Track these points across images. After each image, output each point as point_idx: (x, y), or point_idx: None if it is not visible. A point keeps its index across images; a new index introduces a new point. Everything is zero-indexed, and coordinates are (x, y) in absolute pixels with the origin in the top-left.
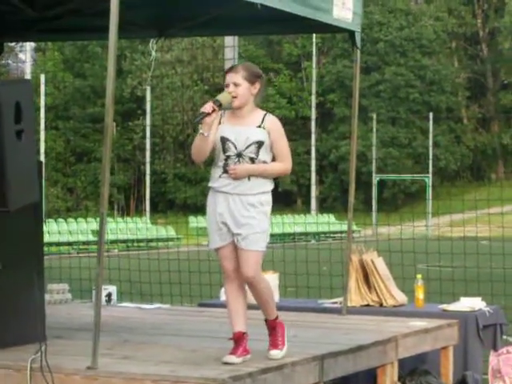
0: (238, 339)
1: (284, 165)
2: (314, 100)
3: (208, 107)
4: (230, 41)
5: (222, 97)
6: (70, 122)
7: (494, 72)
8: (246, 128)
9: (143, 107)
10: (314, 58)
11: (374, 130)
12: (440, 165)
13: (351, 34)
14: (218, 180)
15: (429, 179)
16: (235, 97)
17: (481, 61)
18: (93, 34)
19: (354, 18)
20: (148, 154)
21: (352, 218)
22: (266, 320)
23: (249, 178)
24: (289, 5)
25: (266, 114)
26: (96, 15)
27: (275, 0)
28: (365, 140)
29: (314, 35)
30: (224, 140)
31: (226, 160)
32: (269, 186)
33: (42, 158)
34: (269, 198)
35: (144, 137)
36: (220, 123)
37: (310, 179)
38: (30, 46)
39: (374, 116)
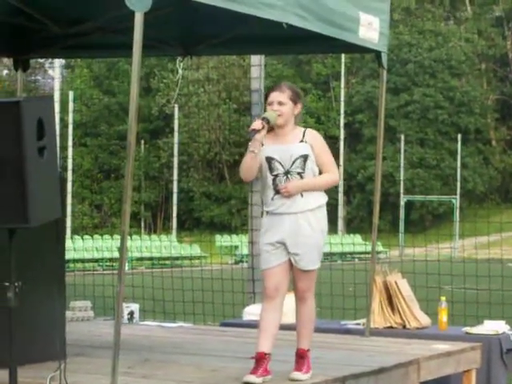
0: (260, 359)
1: (332, 175)
2: (342, 120)
3: (258, 124)
4: (256, 59)
5: (269, 115)
6: (98, 139)
7: None
8: (288, 145)
9: (171, 125)
10: (343, 78)
11: (402, 150)
12: (468, 187)
13: (378, 54)
14: (271, 203)
15: (456, 201)
16: (280, 115)
17: (510, 83)
18: (118, 51)
19: (380, 38)
20: (175, 171)
21: (376, 239)
22: (297, 350)
23: (302, 195)
24: (315, 24)
25: (306, 130)
26: (121, 32)
27: (301, 20)
28: (393, 161)
29: (343, 55)
30: (269, 160)
31: (274, 180)
32: (323, 199)
33: (70, 174)
34: (324, 212)
35: (172, 155)
36: (263, 144)
37: (337, 199)
38: (59, 62)
39: (402, 137)
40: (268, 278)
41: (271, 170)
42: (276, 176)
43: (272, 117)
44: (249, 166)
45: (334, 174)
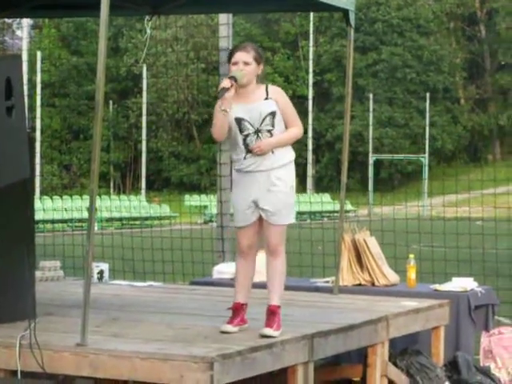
0: (237, 309)
1: (298, 128)
2: (311, 79)
3: (227, 83)
4: (224, 18)
5: (236, 74)
6: (66, 100)
7: (492, 53)
8: (255, 104)
9: (140, 85)
10: (312, 37)
11: (371, 109)
12: (436, 145)
13: (345, 12)
14: (243, 162)
15: (425, 159)
16: (245, 74)
17: (478, 41)
18: (86, 11)
19: None
20: (144, 131)
21: (345, 198)
22: (268, 306)
23: (272, 151)
24: None
25: (267, 86)
26: None
27: None
28: (362, 120)
29: (312, 14)
30: (239, 120)
31: (244, 139)
32: (292, 154)
33: (38, 134)
34: (293, 168)
35: (140, 115)
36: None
37: (306, 158)
38: (27, 22)
39: (371, 96)
40: (241, 236)
41: (241, 130)
42: (247, 136)
43: (239, 75)
44: (220, 124)
45: (299, 127)
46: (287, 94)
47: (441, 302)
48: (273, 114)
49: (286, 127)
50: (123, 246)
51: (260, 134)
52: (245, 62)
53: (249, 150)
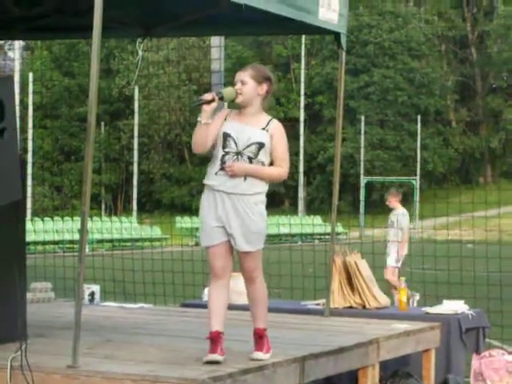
0: (216, 338)
1: (281, 170)
2: (302, 101)
3: (208, 95)
4: (216, 41)
5: (226, 90)
6: (58, 121)
7: (483, 75)
8: (249, 128)
9: (131, 107)
10: (303, 60)
11: (363, 132)
12: (428, 168)
13: (337, 35)
14: (214, 177)
15: (416, 182)
16: (240, 93)
17: (470, 64)
18: (77, 33)
19: (339, 19)
20: (136, 153)
21: (336, 220)
22: (254, 330)
23: (245, 178)
24: (274, 6)
25: (271, 120)
26: (80, 14)
27: (260, 1)
28: (353, 142)
29: (304, 37)
30: (225, 135)
31: (223, 157)
32: (264, 186)
33: (30, 156)
34: (263, 199)
35: (132, 136)
36: (225, 120)
37: (297, 180)
38: (18, 44)
39: (363, 118)
40: (214, 257)
41: (224, 146)
42: (227, 153)
43: (228, 93)
44: (198, 136)
45: (284, 171)
46: (278, 116)
47: (432, 325)
48: (260, 145)
49: (272, 164)
50: (114, 267)
51: (240, 157)
52: (242, 81)
53: (222, 168)
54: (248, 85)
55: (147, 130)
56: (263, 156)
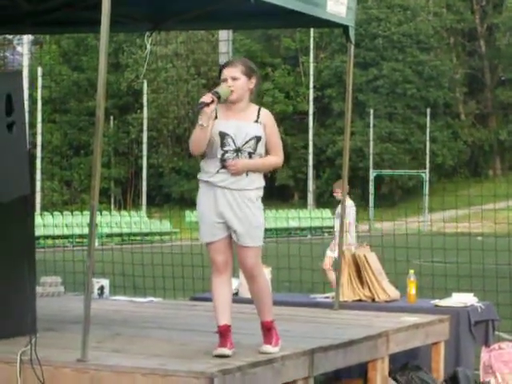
0: (225, 331)
1: (278, 158)
2: (311, 95)
3: (207, 97)
4: (224, 35)
5: (221, 89)
6: (67, 116)
7: (492, 68)
8: (244, 123)
9: (140, 101)
10: (312, 53)
11: (371, 125)
12: (437, 161)
13: (345, 28)
14: (215, 175)
15: (426, 175)
16: (233, 91)
17: (479, 57)
18: (86, 27)
19: (347, 12)
20: (145, 147)
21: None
22: (261, 323)
23: (247, 174)
24: None
25: (260, 109)
26: (89, 8)
27: None
28: (362, 135)
29: (312, 30)
30: (223, 135)
31: (223, 155)
32: (262, 181)
33: (39, 151)
34: (262, 192)
35: (141, 130)
36: (216, 118)
37: (307, 174)
38: (27, 38)
39: (372, 111)
40: (216, 252)
41: (223, 145)
42: (226, 152)
43: (224, 92)
44: (198, 139)
45: (280, 158)
46: (288, 110)
47: (441, 318)
48: (258, 139)
49: (267, 153)
50: (124, 261)
51: (240, 154)
52: (233, 78)
53: (224, 166)
54: (240, 80)
55: (156, 124)
56: (261, 149)
